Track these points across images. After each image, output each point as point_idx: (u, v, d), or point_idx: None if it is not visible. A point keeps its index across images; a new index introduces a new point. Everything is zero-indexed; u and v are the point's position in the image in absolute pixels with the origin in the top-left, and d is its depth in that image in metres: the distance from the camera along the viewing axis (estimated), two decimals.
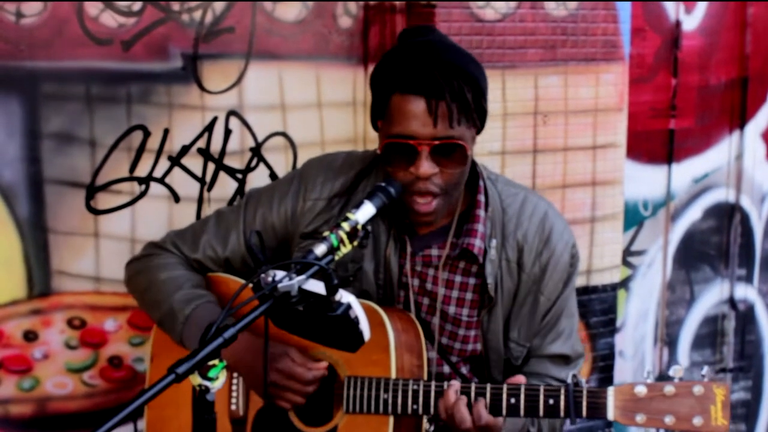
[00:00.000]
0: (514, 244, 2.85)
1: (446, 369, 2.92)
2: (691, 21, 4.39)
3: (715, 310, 4.71)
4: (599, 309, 4.02)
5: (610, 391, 2.55)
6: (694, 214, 4.58)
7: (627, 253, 4.33)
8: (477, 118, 2.69)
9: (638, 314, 4.44)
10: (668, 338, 4.56)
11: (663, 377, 2.53)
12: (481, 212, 2.82)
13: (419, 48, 2.71)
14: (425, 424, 2.80)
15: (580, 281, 3.79)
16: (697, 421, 2.48)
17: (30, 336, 3.25)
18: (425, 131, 2.62)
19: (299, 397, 2.76)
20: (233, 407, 2.89)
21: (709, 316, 4.69)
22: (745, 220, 4.71)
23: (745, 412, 4.83)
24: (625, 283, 4.32)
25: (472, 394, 2.66)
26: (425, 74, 2.62)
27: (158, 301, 2.91)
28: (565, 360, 2.91)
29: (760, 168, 4.73)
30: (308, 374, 2.74)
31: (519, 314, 2.87)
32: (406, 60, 2.68)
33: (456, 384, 2.68)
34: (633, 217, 4.32)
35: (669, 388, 2.50)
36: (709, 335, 4.70)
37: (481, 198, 2.84)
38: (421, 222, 2.76)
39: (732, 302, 4.73)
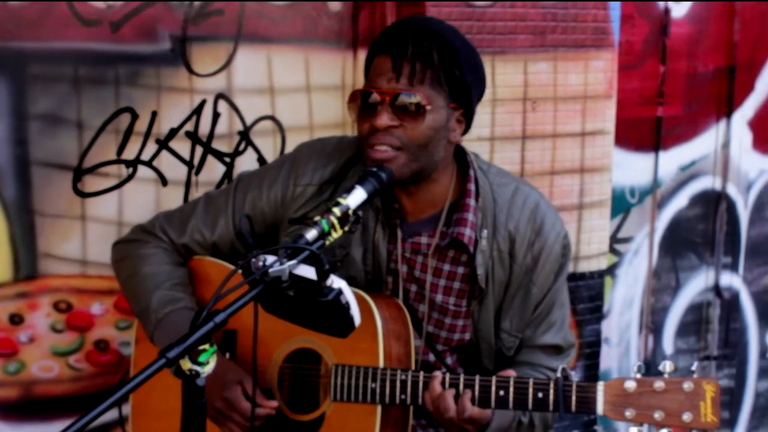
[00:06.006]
0: (506, 235, 2.84)
1: (431, 358, 2.92)
2: (680, 8, 4.38)
3: (700, 298, 4.71)
4: (586, 296, 4.02)
5: (600, 385, 2.56)
6: (680, 201, 4.58)
7: (613, 240, 4.33)
8: (446, 82, 2.71)
9: (624, 301, 4.45)
10: (653, 325, 4.56)
11: (648, 364, 2.54)
12: (471, 201, 2.82)
13: (404, 18, 2.91)
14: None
15: None
16: (687, 417, 2.49)
17: (16, 319, 3.23)
18: (387, 86, 2.69)
19: (238, 430, 2.73)
20: None
21: (694, 304, 4.70)
22: (731, 208, 4.71)
23: (728, 400, 4.84)
24: (611, 270, 4.32)
25: (461, 386, 2.66)
26: (395, 35, 2.72)
27: (137, 296, 2.91)
28: (556, 350, 2.92)
29: (747, 156, 4.73)
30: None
31: (511, 305, 2.87)
32: (387, 28, 2.85)
33: (439, 374, 2.67)
34: (619, 204, 4.32)
35: (659, 384, 2.51)
36: (694, 323, 4.71)
37: (471, 187, 2.83)
38: None
39: (717, 290, 4.73)
